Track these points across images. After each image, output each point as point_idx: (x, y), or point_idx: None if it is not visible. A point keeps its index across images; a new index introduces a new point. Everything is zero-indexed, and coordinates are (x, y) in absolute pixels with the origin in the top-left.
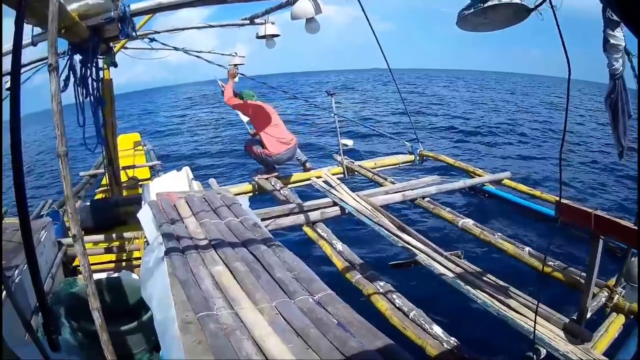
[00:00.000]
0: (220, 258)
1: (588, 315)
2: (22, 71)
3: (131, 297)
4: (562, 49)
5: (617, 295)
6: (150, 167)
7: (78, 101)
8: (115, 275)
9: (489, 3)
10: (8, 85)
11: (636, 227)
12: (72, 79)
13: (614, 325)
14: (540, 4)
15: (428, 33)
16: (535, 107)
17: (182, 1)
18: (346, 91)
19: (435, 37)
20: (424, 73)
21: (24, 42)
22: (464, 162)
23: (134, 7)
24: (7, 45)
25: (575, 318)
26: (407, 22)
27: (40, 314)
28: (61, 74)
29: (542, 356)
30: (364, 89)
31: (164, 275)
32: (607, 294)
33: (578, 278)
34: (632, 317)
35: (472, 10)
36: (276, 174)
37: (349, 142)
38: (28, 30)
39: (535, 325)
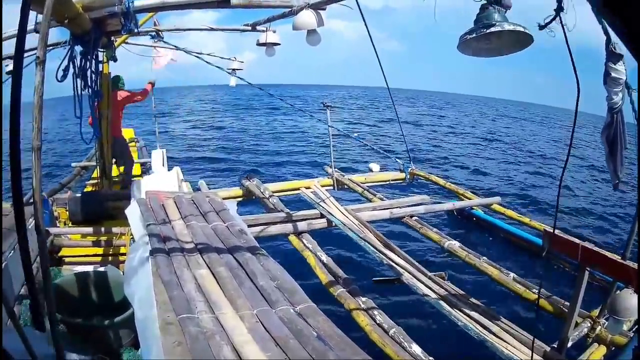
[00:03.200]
0: (205, 262)
1: (570, 344)
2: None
3: (116, 292)
4: (573, 71)
5: (599, 327)
6: (142, 164)
7: (76, 93)
8: (102, 269)
9: (493, 29)
10: (7, 69)
11: (621, 260)
12: (71, 69)
13: (595, 355)
14: (549, 23)
15: (430, 54)
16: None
17: (186, 2)
18: (348, 105)
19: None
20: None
21: (30, 28)
22: (454, 184)
23: (138, 3)
24: (9, 30)
25: (555, 346)
26: (414, 43)
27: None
28: (61, 64)
29: None
30: (365, 105)
31: (147, 274)
32: (589, 325)
33: (562, 307)
34: (613, 349)
35: (474, 35)
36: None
37: (375, 167)
38: (32, 16)
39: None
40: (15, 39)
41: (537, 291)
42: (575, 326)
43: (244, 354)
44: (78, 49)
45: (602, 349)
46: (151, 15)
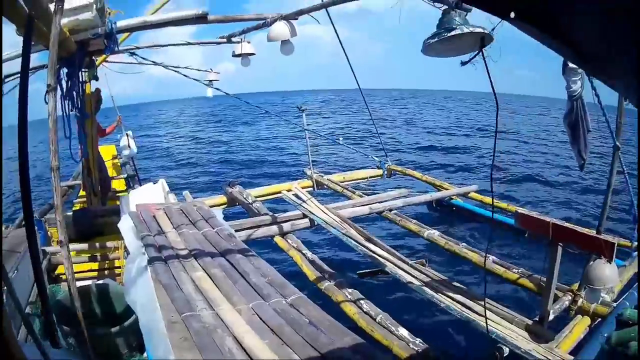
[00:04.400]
0: (200, 265)
1: (552, 317)
2: (10, 79)
3: (117, 303)
4: (493, 96)
5: (580, 299)
6: (126, 179)
7: (65, 114)
8: (101, 282)
9: (453, 33)
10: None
11: (591, 233)
12: (59, 92)
13: (579, 326)
14: (471, 59)
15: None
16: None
17: (165, 20)
18: (329, 108)
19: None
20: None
21: (14, 53)
22: (432, 176)
23: (120, 24)
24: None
25: (537, 320)
26: (394, 44)
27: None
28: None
29: (505, 354)
30: (345, 107)
31: (147, 281)
32: (570, 298)
33: (542, 284)
34: (598, 319)
35: (436, 39)
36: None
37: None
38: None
39: (487, 322)
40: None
41: (517, 271)
42: (557, 300)
43: (245, 343)
44: (63, 71)
45: (586, 320)
46: (129, 34)
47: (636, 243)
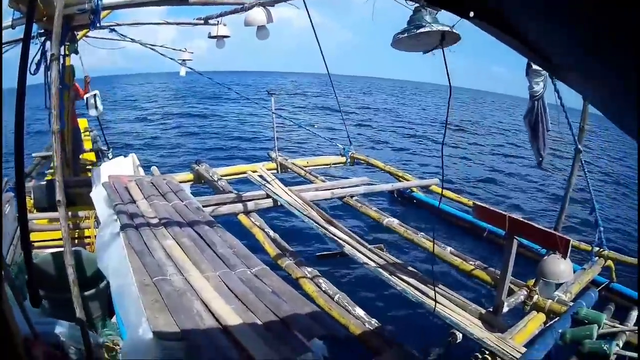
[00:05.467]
0: (170, 234)
1: (507, 310)
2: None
3: (87, 269)
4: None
5: (536, 295)
6: (97, 152)
7: (47, 85)
8: (74, 249)
9: (422, 30)
10: None
11: (545, 229)
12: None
13: (534, 322)
14: (433, 49)
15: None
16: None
17: (148, 0)
18: (295, 93)
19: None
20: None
21: (4, 24)
22: (394, 166)
23: (105, 1)
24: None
25: (491, 310)
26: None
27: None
28: (34, 58)
29: (458, 340)
30: (313, 92)
31: (120, 247)
32: (526, 293)
33: (497, 277)
34: (553, 316)
35: (405, 34)
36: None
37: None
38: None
39: (435, 304)
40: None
41: (473, 263)
42: (513, 294)
43: (212, 307)
44: (47, 43)
45: (541, 317)
46: (110, 11)
47: (597, 248)
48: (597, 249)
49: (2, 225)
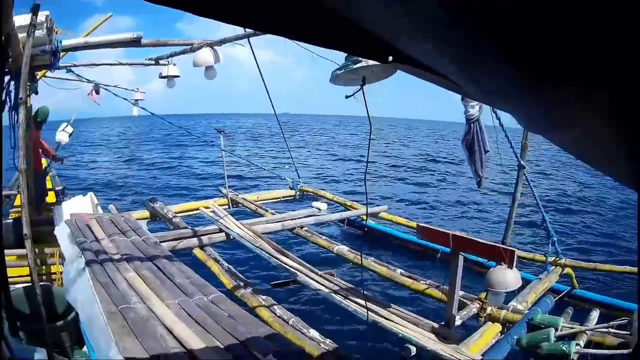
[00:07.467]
0: (131, 267)
1: (459, 323)
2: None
3: (56, 303)
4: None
5: (489, 307)
6: (56, 192)
7: (11, 125)
8: (42, 284)
9: (359, 65)
10: None
11: (489, 242)
12: (7, 104)
13: (490, 332)
14: (354, 93)
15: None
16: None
17: (105, 42)
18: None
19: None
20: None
21: None
22: (342, 197)
23: (65, 43)
24: None
25: (443, 324)
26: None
27: None
28: None
29: (412, 354)
30: (271, 132)
31: (86, 281)
32: (478, 306)
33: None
34: (509, 325)
35: (343, 70)
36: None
37: (322, 206)
38: None
39: (367, 312)
40: None
41: (424, 282)
42: (465, 307)
43: (175, 331)
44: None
45: (497, 327)
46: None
47: (552, 258)
48: (553, 258)
49: None
